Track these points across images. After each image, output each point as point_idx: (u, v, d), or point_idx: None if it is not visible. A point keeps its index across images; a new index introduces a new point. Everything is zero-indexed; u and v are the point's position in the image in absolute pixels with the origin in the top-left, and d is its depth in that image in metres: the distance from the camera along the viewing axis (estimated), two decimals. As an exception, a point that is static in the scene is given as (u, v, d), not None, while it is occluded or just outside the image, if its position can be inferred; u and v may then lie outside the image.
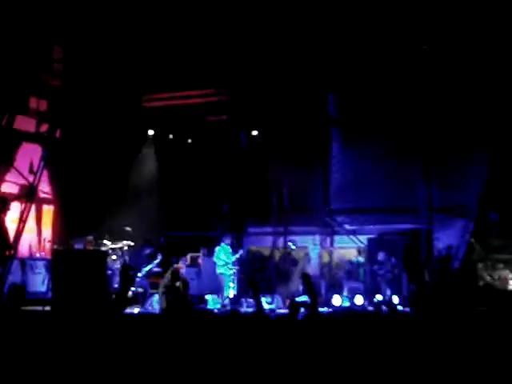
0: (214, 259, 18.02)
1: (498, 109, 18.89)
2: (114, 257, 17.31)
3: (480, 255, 18.37)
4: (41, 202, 19.07)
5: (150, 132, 21.47)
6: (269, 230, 22.14)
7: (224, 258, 17.85)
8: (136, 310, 16.03)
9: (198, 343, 8.34)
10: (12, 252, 14.47)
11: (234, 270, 18.03)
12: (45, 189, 19.04)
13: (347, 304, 17.91)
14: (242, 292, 18.06)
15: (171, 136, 21.84)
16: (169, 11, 15.84)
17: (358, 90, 19.96)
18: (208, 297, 17.41)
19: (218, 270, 17.92)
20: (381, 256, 18.59)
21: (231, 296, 17.78)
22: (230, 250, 18.17)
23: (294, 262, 20.19)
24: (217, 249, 18.16)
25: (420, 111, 19.45)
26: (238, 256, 18.22)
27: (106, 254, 15.54)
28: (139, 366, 7.65)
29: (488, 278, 17.95)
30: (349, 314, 14.48)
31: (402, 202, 20.02)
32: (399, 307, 16.64)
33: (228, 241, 18.38)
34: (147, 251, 17.76)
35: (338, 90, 20.46)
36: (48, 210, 19.44)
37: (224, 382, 7.35)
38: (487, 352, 7.87)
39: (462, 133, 19.42)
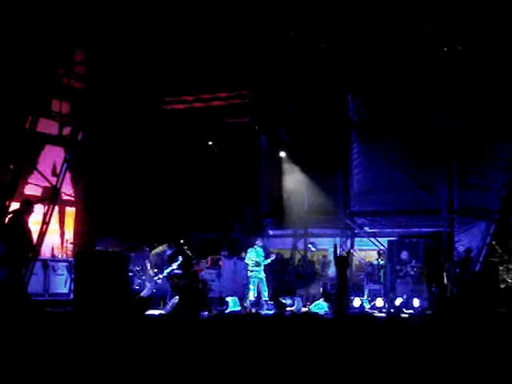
0: (246, 261, 18.07)
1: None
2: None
3: (501, 258, 18.28)
4: (64, 204, 19.19)
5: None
6: (289, 232, 22.19)
7: (256, 260, 17.90)
8: (157, 312, 16.10)
9: (219, 344, 8.40)
10: (35, 253, 14.60)
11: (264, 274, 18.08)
12: (68, 191, 19.17)
13: (367, 306, 17.90)
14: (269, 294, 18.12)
15: (194, 138, 21.90)
16: (192, 13, 15.89)
17: (377, 92, 19.94)
18: (228, 299, 17.44)
19: (249, 272, 17.97)
20: (404, 255, 18.52)
21: (252, 298, 17.82)
22: (263, 253, 18.22)
23: (313, 265, 20.26)
24: (249, 250, 18.23)
25: (442, 113, 19.40)
26: (269, 260, 18.26)
27: (127, 256, 15.63)
28: (157, 367, 7.71)
29: (509, 281, 17.86)
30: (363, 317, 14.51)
31: (423, 205, 19.99)
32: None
33: (261, 243, 18.44)
34: (168, 253, 17.84)
35: (358, 93, 20.44)
36: (71, 212, 19.57)
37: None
38: (507, 353, 7.86)
39: (483, 134, 19.33)
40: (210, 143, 21.98)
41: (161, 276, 17.24)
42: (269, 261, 18.21)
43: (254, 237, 19.44)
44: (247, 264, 18.03)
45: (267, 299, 17.54)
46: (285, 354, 7.88)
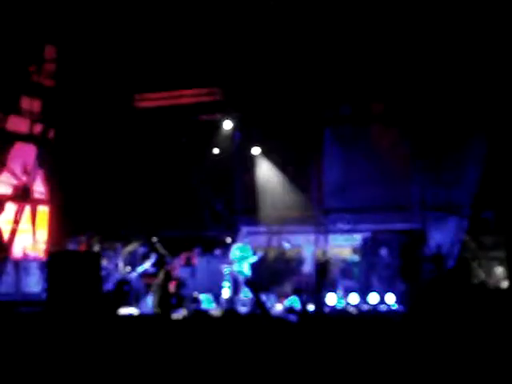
0: (231, 257, 18.04)
1: (492, 105, 18.90)
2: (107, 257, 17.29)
3: (474, 253, 18.40)
4: (36, 203, 19.01)
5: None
6: (263, 229, 22.16)
7: (241, 255, 17.88)
8: (130, 311, 16.01)
9: (192, 343, 8.36)
10: (5, 253, 14.45)
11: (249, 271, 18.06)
12: (40, 189, 18.99)
13: (342, 303, 17.93)
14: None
15: (165, 136, 21.80)
16: (162, 10, 15.81)
17: (350, 88, 19.95)
18: (202, 296, 17.40)
19: (235, 268, 17.93)
20: (383, 252, 18.57)
21: (226, 296, 17.79)
22: (249, 249, 18.21)
23: (288, 262, 20.23)
24: (234, 246, 18.22)
25: (412, 108, 19.47)
26: (256, 257, 18.24)
27: (99, 255, 15.53)
28: (133, 367, 7.66)
29: (482, 276, 17.98)
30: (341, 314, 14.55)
31: (396, 201, 20.05)
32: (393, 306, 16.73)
33: (247, 239, 18.42)
34: (141, 250, 17.75)
35: (330, 90, 20.43)
36: (43, 211, 19.39)
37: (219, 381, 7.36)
38: (480, 350, 7.90)
39: (455, 130, 19.43)
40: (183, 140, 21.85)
41: (134, 274, 17.16)
42: (256, 257, 18.20)
43: (228, 234, 19.39)
44: (232, 260, 18.01)
45: (248, 296, 17.50)
46: (258, 352, 7.87)
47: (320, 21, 16.29)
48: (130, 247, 17.63)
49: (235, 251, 18.04)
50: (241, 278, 17.84)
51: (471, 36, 16.76)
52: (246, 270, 18.01)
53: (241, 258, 17.92)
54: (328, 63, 18.25)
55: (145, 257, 17.72)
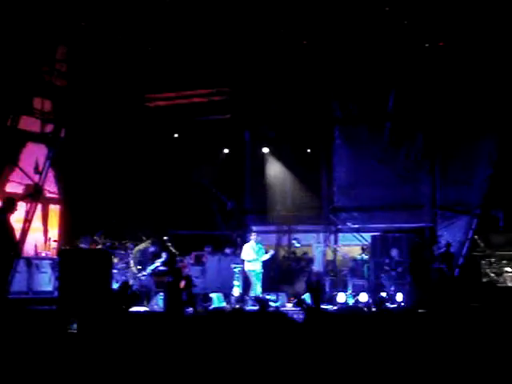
0: (242, 256, 18.12)
1: (502, 106, 18.90)
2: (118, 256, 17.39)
3: (483, 252, 18.39)
4: (47, 202, 19.13)
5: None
6: (272, 228, 22.22)
7: (253, 254, 17.96)
8: (141, 309, 16.10)
9: (201, 342, 8.41)
10: (17, 252, 14.54)
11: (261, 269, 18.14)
12: (51, 188, 19.11)
13: (351, 301, 17.96)
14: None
15: (176, 135, 21.90)
16: (172, 11, 15.87)
17: (360, 88, 19.97)
18: (213, 295, 17.46)
19: (246, 267, 18.02)
20: (394, 252, 18.57)
21: (236, 294, 17.85)
22: (262, 248, 18.28)
23: (298, 260, 20.29)
24: (245, 246, 18.30)
25: (424, 107, 19.47)
26: (269, 255, 18.32)
27: (110, 253, 15.62)
28: (143, 365, 7.72)
29: (492, 275, 17.98)
30: (353, 312, 14.54)
31: (406, 200, 20.06)
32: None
33: (258, 238, 18.47)
34: (152, 249, 17.83)
35: (340, 89, 20.46)
36: (55, 210, 19.51)
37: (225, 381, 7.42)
38: (490, 348, 7.92)
39: (466, 130, 19.43)
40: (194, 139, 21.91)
41: (144, 273, 17.25)
42: (268, 256, 18.26)
43: (238, 233, 19.46)
44: (243, 260, 18.08)
45: (258, 295, 17.55)
46: (269, 351, 7.91)
47: (328, 20, 16.31)
48: (141, 246, 17.71)
49: (249, 250, 18.09)
50: (253, 277, 17.90)
51: (484, 36, 16.75)
52: (259, 268, 18.08)
53: (254, 257, 17.99)
54: (338, 62, 18.27)
55: (156, 255, 17.80)
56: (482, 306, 13.73)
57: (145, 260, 17.49)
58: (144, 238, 17.86)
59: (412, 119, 19.86)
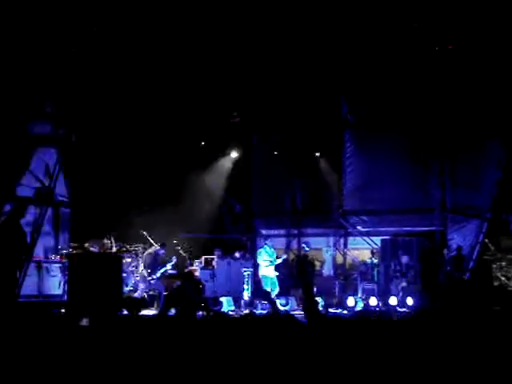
0: (258, 261, 18.15)
1: (511, 109, 18.85)
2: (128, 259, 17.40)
3: (494, 256, 18.35)
4: (58, 206, 19.15)
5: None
6: (282, 231, 22.21)
7: (269, 259, 17.97)
8: (151, 312, 16.12)
9: (212, 345, 8.41)
10: (28, 255, 14.56)
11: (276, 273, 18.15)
12: (62, 192, 19.13)
13: (361, 305, 17.93)
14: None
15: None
16: (181, 16, 15.93)
17: (370, 92, 19.96)
18: (223, 299, 17.47)
19: (261, 272, 18.02)
20: (404, 259, 18.53)
21: (246, 298, 17.86)
22: (274, 253, 18.29)
23: (308, 264, 20.23)
24: (260, 251, 18.32)
25: (434, 111, 19.43)
26: (281, 260, 18.33)
27: (120, 257, 15.65)
28: (155, 368, 7.73)
29: (503, 279, 17.94)
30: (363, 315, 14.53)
31: (416, 203, 20.00)
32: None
33: (270, 243, 18.49)
34: (161, 253, 17.84)
35: (350, 92, 20.46)
36: (65, 214, 19.52)
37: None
38: (500, 351, 7.90)
39: (475, 133, 19.38)
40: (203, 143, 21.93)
41: (154, 276, 17.26)
42: (280, 260, 18.27)
43: (247, 236, 19.45)
44: (259, 264, 18.09)
45: (274, 298, 17.56)
46: (279, 354, 7.91)
47: (338, 23, 16.32)
48: (151, 249, 17.72)
49: (263, 255, 18.10)
50: (269, 282, 17.89)
51: (492, 38, 16.72)
52: (274, 274, 18.08)
53: (269, 262, 17.99)
54: (348, 65, 18.28)
55: (165, 259, 17.82)
56: (496, 310, 13.72)
57: (154, 264, 17.50)
58: (153, 242, 17.87)
59: (422, 122, 19.80)
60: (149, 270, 17.32)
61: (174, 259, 17.59)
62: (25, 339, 8.76)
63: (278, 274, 18.13)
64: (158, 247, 17.71)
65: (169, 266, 17.52)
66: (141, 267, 17.39)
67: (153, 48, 17.10)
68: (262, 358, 7.78)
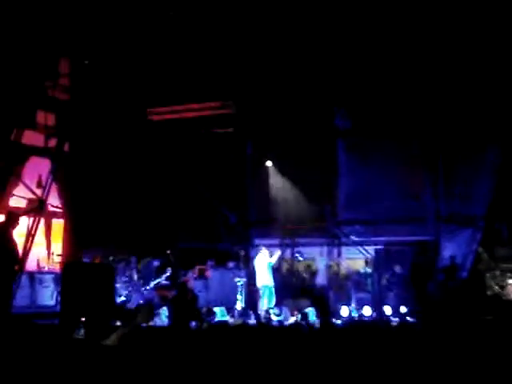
0: (257, 266, 18.14)
1: (504, 118, 18.90)
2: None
3: (488, 265, 18.35)
4: (51, 216, 19.08)
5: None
6: (276, 241, 22.18)
7: (267, 261, 17.97)
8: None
9: (206, 355, 8.38)
10: (20, 266, 14.52)
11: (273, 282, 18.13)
12: (55, 203, 19.07)
13: (355, 315, 17.90)
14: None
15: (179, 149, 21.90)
16: (176, 24, 15.92)
17: (363, 100, 19.99)
18: (216, 309, 17.42)
19: (261, 282, 18.05)
20: (398, 269, 18.54)
21: (239, 308, 17.81)
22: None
23: (301, 274, 20.25)
24: (257, 257, 18.33)
25: (427, 121, 19.48)
26: (276, 257, 18.42)
27: (113, 267, 15.60)
28: (149, 379, 7.69)
29: (496, 288, 17.93)
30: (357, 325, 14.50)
31: (409, 213, 20.03)
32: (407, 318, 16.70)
33: (266, 249, 18.49)
34: (155, 263, 17.80)
35: (343, 101, 20.49)
36: (58, 224, 19.46)
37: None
38: (495, 362, 7.88)
39: (468, 142, 19.43)
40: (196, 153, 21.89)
41: (148, 287, 17.21)
42: (276, 257, 18.23)
43: (240, 246, 19.41)
44: (257, 271, 18.05)
45: (272, 307, 17.51)
46: (273, 365, 7.88)
47: (333, 34, 16.36)
48: (145, 260, 17.70)
49: (261, 257, 18.09)
50: (267, 291, 17.86)
51: (486, 48, 16.78)
52: (271, 282, 18.06)
53: (267, 264, 18.00)
54: (341, 76, 18.30)
55: (159, 270, 17.78)
56: (489, 320, 13.71)
57: (148, 274, 17.46)
58: (147, 253, 17.86)
59: (415, 131, 19.84)
60: (142, 281, 17.27)
61: (169, 271, 17.58)
62: (19, 351, 8.71)
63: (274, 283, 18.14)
64: (152, 258, 17.70)
65: (163, 278, 17.49)
66: (135, 278, 17.35)
67: (146, 55, 17.12)
68: (258, 369, 7.76)
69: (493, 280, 17.96)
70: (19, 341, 9.18)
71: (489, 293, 17.83)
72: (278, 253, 18.56)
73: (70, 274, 13.92)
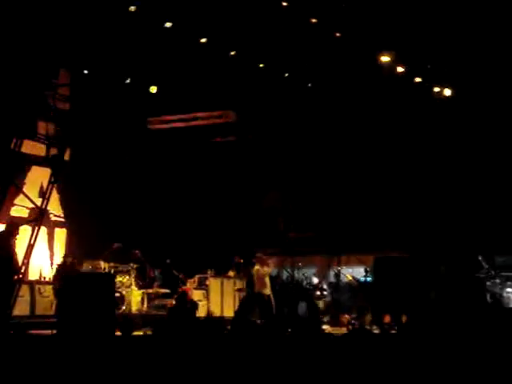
0: (253, 272, 18.12)
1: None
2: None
3: (488, 273, 18.35)
4: (52, 226, 19.12)
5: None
6: (275, 250, 22.17)
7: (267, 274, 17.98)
8: (141, 332, 16.04)
9: (205, 364, 8.42)
10: (20, 276, 14.55)
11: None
12: (57, 212, 19.12)
13: (355, 323, 17.90)
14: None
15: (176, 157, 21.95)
16: (175, 33, 16.01)
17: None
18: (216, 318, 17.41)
19: (260, 291, 17.99)
20: (396, 276, 18.53)
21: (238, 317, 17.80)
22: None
23: (300, 283, 20.26)
24: (257, 267, 18.31)
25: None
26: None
27: (113, 276, 15.64)
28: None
29: (496, 296, 17.93)
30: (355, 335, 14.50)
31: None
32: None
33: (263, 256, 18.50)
34: (156, 272, 17.85)
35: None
36: (60, 233, 19.50)
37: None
38: (494, 369, 7.92)
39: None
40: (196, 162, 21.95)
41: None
42: (273, 266, 18.23)
43: (240, 255, 19.44)
44: (260, 281, 18.04)
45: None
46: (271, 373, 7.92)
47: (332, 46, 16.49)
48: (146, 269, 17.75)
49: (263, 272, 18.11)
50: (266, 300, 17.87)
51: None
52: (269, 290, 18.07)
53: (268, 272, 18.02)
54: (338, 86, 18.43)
55: (159, 279, 17.85)
56: (489, 328, 13.70)
57: (148, 283, 17.49)
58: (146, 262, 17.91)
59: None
60: (142, 290, 17.32)
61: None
62: (18, 361, 8.75)
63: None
64: (152, 267, 17.75)
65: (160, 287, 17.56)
66: (134, 287, 17.37)
67: (146, 64, 17.22)
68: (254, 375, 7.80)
69: (493, 288, 17.96)
70: (15, 351, 9.21)
71: (489, 300, 17.82)
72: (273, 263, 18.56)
73: (69, 284, 13.94)
